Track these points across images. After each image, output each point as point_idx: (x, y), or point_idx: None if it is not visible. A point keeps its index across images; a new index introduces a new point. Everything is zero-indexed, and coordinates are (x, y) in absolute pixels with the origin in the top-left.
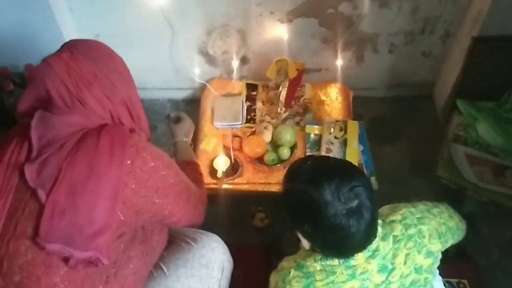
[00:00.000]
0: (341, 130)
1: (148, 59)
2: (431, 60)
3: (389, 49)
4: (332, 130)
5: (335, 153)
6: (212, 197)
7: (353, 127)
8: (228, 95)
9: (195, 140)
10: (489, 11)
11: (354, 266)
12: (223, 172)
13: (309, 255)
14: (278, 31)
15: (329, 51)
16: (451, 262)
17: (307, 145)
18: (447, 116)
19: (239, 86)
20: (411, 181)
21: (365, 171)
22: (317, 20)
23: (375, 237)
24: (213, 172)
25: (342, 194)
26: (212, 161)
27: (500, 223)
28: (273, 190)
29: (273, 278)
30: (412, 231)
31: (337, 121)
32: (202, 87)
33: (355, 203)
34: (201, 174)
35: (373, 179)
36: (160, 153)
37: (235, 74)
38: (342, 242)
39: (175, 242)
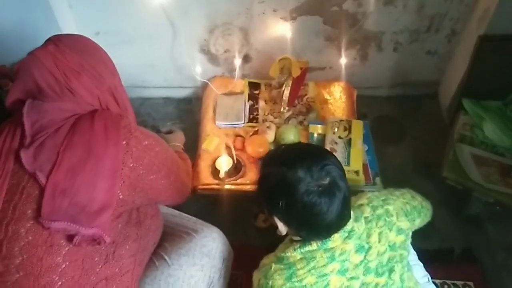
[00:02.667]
0: (345, 129)
1: (149, 58)
2: (437, 59)
3: (394, 48)
4: (336, 129)
5: (339, 152)
6: (215, 197)
7: (358, 127)
8: (230, 94)
9: (197, 140)
10: (496, 10)
11: (332, 248)
12: (225, 172)
13: (288, 246)
14: (281, 29)
15: (333, 49)
16: (457, 264)
17: None
18: (453, 116)
19: (241, 85)
20: (416, 182)
21: (369, 171)
22: (321, 18)
23: (350, 218)
24: (215, 172)
25: (313, 172)
26: (214, 161)
27: (506, 224)
28: None
29: (256, 276)
30: (380, 211)
31: (341, 120)
32: (204, 86)
33: (326, 180)
34: (187, 158)
35: (378, 180)
36: (149, 132)
37: (237, 73)
38: (315, 220)
39: (176, 234)
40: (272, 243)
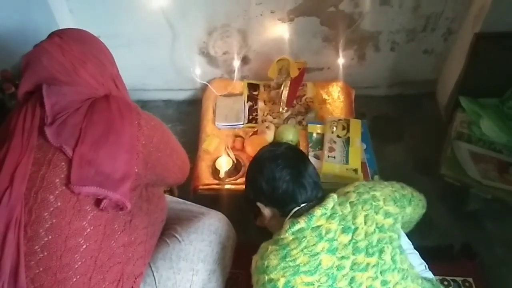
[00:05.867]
0: (343, 128)
1: (149, 60)
2: (433, 58)
3: (391, 47)
4: (334, 129)
5: (338, 151)
6: (215, 197)
7: (356, 126)
8: (230, 95)
9: (197, 141)
10: (491, 7)
11: (319, 227)
12: (225, 172)
13: (281, 230)
14: (279, 30)
15: (331, 50)
16: (457, 260)
17: (310, 144)
18: (450, 114)
19: (240, 86)
20: (415, 180)
21: (368, 169)
22: (318, 18)
23: (318, 190)
24: (215, 172)
25: (272, 148)
26: (214, 161)
27: (504, 220)
28: None
29: (254, 259)
30: (366, 196)
31: (339, 120)
32: (203, 88)
33: (279, 151)
34: None
35: (376, 178)
36: (152, 114)
37: (236, 74)
38: (280, 181)
39: (184, 218)
40: None
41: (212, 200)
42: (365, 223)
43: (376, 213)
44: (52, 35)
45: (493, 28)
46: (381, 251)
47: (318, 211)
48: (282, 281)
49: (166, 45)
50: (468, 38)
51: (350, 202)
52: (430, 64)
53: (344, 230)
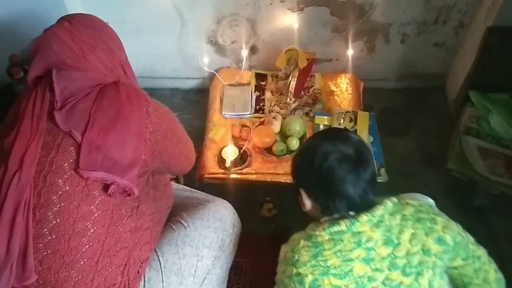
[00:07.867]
0: (351, 121)
1: (157, 48)
2: (444, 51)
3: (401, 40)
4: (342, 121)
5: None
6: (221, 186)
7: (364, 118)
8: (237, 84)
9: (204, 130)
10: (505, 1)
11: (360, 233)
12: (231, 162)
13: (318, 225)
14: (289, 20)
15: (340, 40)
16: None
17: None
18: (459, 108)
19: (248, 76)
20: (421, 173)
21: (374, 162)
22: (328, 9)
23: (372, 199)
24: (221, 161)
25: (339, 143)
26: (221, 150)
27: (511, 217)
28: (281, 180)
29: (283, 248)
30: (424, 215)
31: (347, 112)
32: (211, 77)
33: (349, 151)
34: None
35: (382, 171)
36: (160, 103)
37: (244, 64)
38: (334, 188)
39: (190, 205)
40: (276, 232)
41: (217, 189)
42: (410, 241)
43: (427, 235)
44: (62, 19)
45: (506, 22)
46: (418, 274)
47: (364, 217)
48: (310, 278)
49: (174, 33)
50: (480, 31)
51: (402, 215)
52: (440, 57)
53: (386, 243)
